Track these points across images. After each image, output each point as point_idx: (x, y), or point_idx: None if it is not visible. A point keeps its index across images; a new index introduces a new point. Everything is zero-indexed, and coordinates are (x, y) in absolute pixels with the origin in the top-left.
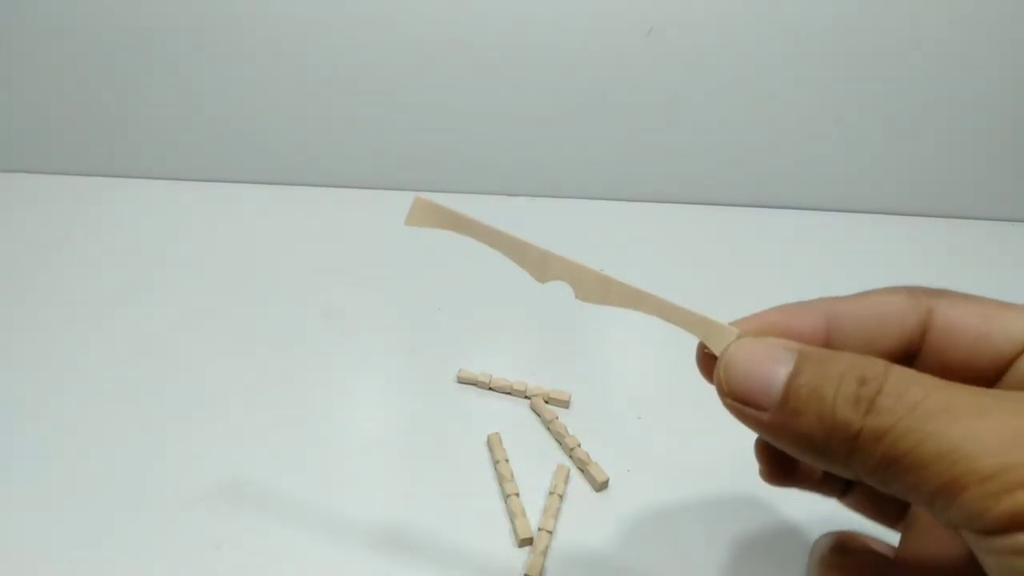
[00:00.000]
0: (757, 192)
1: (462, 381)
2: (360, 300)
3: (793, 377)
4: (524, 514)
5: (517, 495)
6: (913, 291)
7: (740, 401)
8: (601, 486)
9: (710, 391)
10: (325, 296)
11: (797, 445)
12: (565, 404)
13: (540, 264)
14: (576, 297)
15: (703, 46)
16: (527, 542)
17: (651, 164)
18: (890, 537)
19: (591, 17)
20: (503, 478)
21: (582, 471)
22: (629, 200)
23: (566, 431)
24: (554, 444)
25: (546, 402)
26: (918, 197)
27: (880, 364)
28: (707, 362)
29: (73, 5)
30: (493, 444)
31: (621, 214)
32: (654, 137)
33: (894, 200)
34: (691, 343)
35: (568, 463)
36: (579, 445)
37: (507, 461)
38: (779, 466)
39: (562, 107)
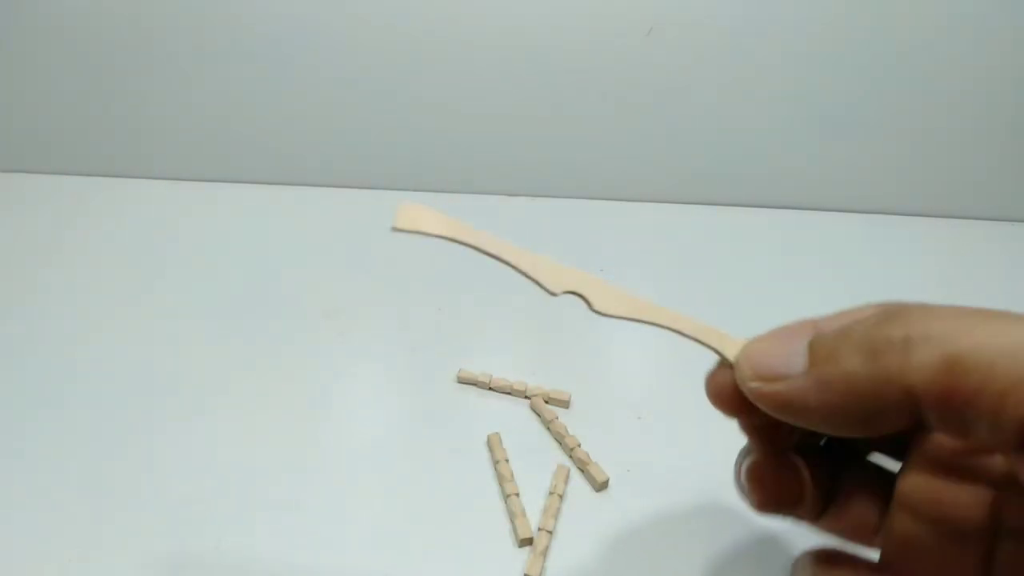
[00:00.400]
0: (757, 192)
1: (462, 381)
2: (360, 300)
3: (816, 338)
4: (524, 514)
5: (517, 495)
6: (885, 305)
7: (768, 379)
8: (601, 486)
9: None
10: (325, 296)
11: (839, 394)
12: (565, 404)
13: (553, 276)
14: (591, 309)
15: (703, 46)
16: (527, 542)
17: (651, 164)
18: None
19: (591, 17)
20: (503, 478)
21: (582, 471)
22: (629, 200)
23: (566, 431)
24: (554, 444)
25: (546, 402)
26: (918, 197)
27: (900, 303)
28: (715, 383)
29: (73, 5)
30: (493, 444)
31: (621, 214)
32: (654, 137)
33: (894, 200)
34: (691, 343)
35: (568, 463)
36: (579, 445)
37: (507, 461)
38: (773, 492)
39: (562, 107)
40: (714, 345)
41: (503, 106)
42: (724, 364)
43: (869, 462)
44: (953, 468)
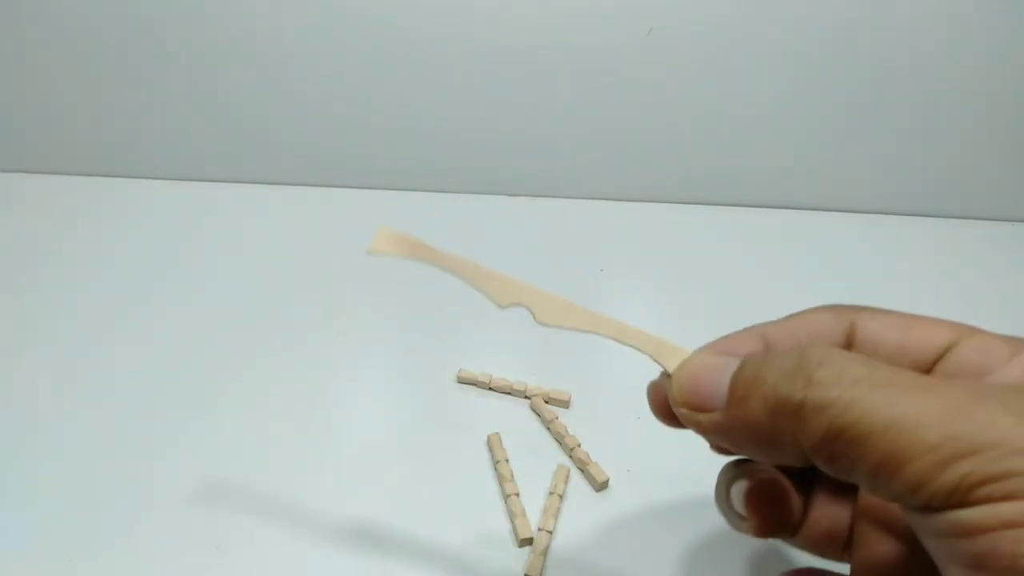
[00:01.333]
0: (757, 192)
1: (462, 381)
2: (360, 300)
3: (737, 372)
4: (524, 514)
5: (517, 495)
6: (837, 308)
7: (694, 408)
8: (601, 486)
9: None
10: (325, 296)
11: (748, 437)
12: (565, 404)
13: (499, 290)
14: (535, 321)
15: (703, 46)
16: (527, 542)
17: (651, 164)
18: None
19: (591, 17)
20: (503, 478)
21: (582, 471)
22: (629, 200)
23: (566, 431)
24: (554, 444)
25: (546, 402)
26: (918, 197)
27: (821, 347)
28: (657, 395)
29: (73, 5)
30: (493, 444)
31: (621, 214)
32: (654, 137)
33: (894, 200)
34: (691, 343)
35: (568, 463)
36: (579, 445)
37: (507, 461)
38: (772, 517)
39: (562, 107)
40: (655, 356)
41: (503, 106)
42: (664, 375)
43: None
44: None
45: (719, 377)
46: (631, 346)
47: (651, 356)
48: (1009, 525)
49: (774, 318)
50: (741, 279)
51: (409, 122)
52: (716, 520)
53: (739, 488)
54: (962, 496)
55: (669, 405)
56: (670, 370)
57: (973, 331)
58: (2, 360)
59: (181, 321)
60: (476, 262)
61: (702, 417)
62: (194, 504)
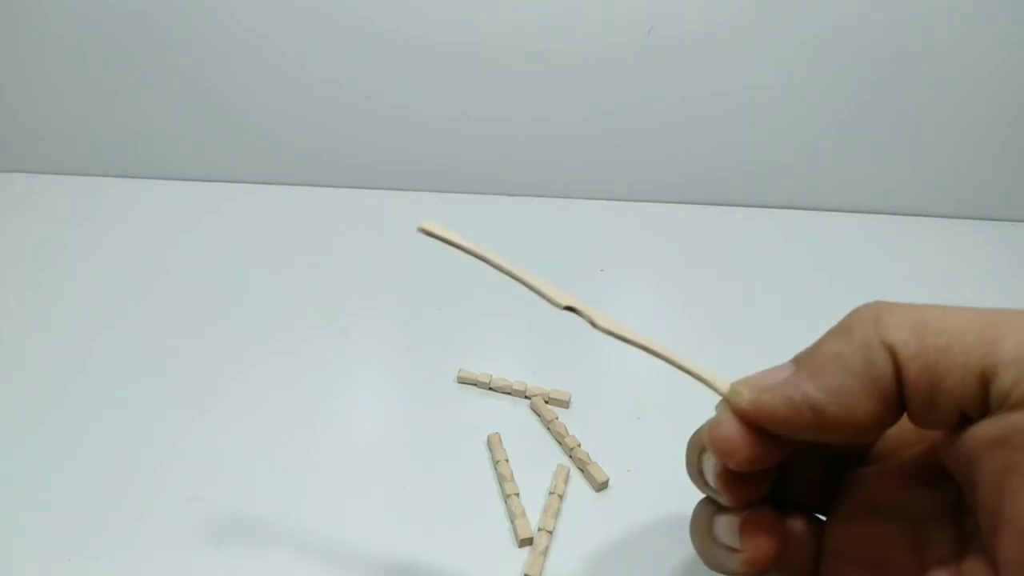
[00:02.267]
0: (757, 192)
1: (462, 381)
2: (360, 300)
3: (797, 354)
4: (524, 514)
5: (517, 495)
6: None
7: (764, 389)
8: (601, 486)
9: (709, 392)
10: (325, 296)
11: (831, 376)
12: (565, 404)
13: (556, 291)
14: (595, 326)
15: (703, 46)
16: (527, 542)
17: (651, 164)
18: None
19: (591, 17)
20: (503, 478)
21: (582, 471)
22: (629, 200)
23: (566, 431)
24: (554, 444)
25: (546, 402)
26: (918, 197)
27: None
28: (715, 433)
29: (73, 5)
30: (493, 444)
31: (621, 214)
32: (654, 137)
33: (894, 200)
34: (690, 343)
35: (568, 463)
36: (579, 445)
37: (507, 461)
38: (773, 546)
39: (563, 107)
40: (708, 379)
41: (503, 106)
42: (721, 403)
43: (807, 513)
44: (879, 508)
45: (780, 367)
46: (682, 368)
47: (704, 380)
48: None
49: (774, 318)
50: (741, 279)
51: (409, 122)
52: None
53: (737, 520)
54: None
55: (737, 434)
56: (722, 390)
57: None
58: (2, 360)
59: (181, 321)
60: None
61: (777, 389)
62: (194, 504)
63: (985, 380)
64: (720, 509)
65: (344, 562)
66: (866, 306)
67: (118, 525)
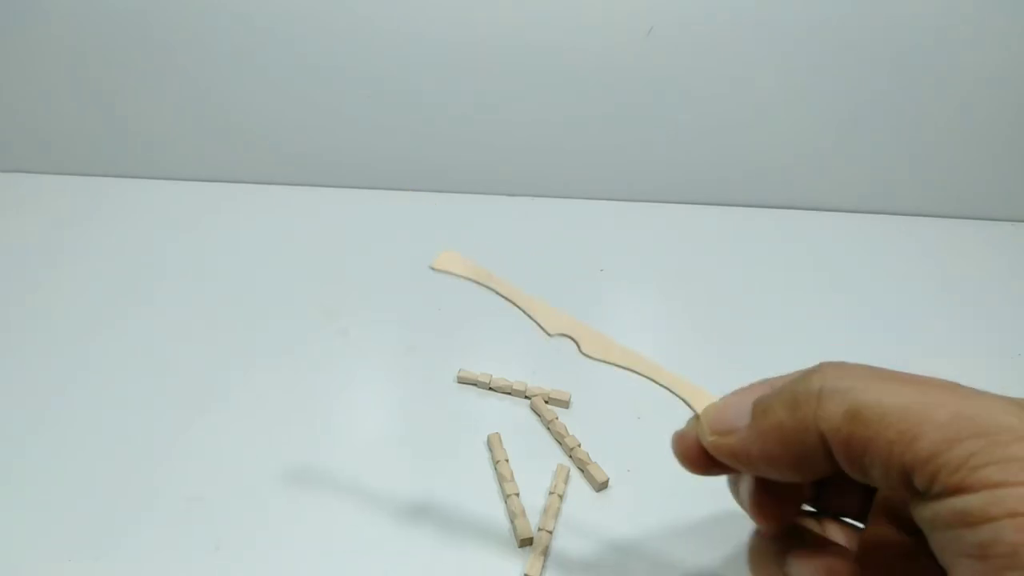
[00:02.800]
0: (757, 192)
1: (462, 381)
2: (360, 300)
3: (758, 397)
4: (524, 514)
5: (517, 495)
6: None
7: (721, 433)
8: (601, 486)
9: (708, 392)
10: (325, 296)
11: (772, 441)
12: (565, 404)
13: (549, 320)
14: (580, 351)
15: (703, 46)
16: (527, 542)
17: (651, 164)
18: None
19: (591, 17)
20: (503, 478)
21: (582, 471)
22: (629, 200)
23: (566, 431)
24: (554, 444)
25: (546, 402)
26: (918, 197)
27: (830, 361)
28: (682, 443)
29: (73, 5)
30: (493, 444)
31: (621, 214)
32: (654, 137)
33: (894, 200)
34: (691, 343)
35: (568, 463)
36: (579, 445)
37: (507, 461)
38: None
39: (563, 107)
40: (686, 398)
41: (504, 107)
42: (694, 417)
43: (843, 522)
44: (903, 520)
45: (743, 405)
46: (664, 387)
47: (683, 398)
48: (1012, 514)
49: (773, 318)
50: (741, 279)
51: (409, 122)
52: (715, 520)
53: (811, 566)
54: (967, 475)
55: (695, 450)
56: (699, 410)
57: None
58: (2, 360)
59: (181, 321)
60: (529, 294)
61: (730, 439)
62: (194, 504)
63: (905, 475)
64: (788, 547)
65: (344, 562)
66: (818, 374)
67: (118, 525)
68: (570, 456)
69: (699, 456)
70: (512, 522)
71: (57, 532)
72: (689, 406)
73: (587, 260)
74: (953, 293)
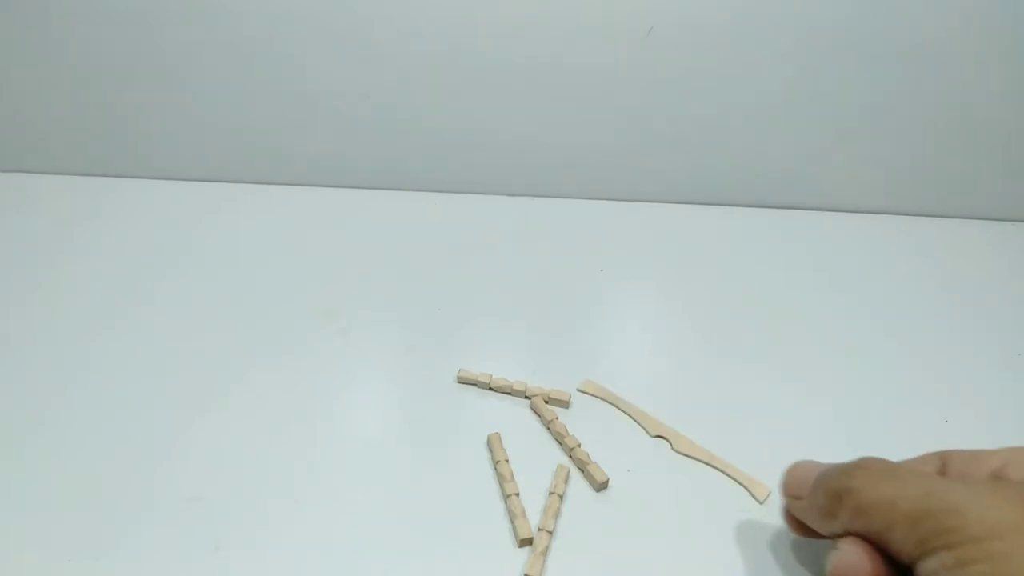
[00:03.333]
0: (757, 192)
1: (462, 381)
2: (360, 300)
3: (817, 476)
4: (524, 514)
5: (517, 495)
6: (939, 453)
7: (793, 497)
8: (601, 486)
9: (708, 392)
10: (325, 296)
11: (818, 514)
12: (565, 404)
13: (651, 424)
14: (673, 448)
15: (703, 46)
16: (527, 542)
17: (651, 164)
18: None
19: (591, 18)
20: (503, 478)
21: (582, 471)
22: (629, 200)
23: (566, 431)
24: (554, 444)
25: (546, 402)
26: (918, 197)
27: (870, 456)
28: (791, 516)
29: (73, 6)
30: (493, 444)
31: (621, 214)
32: (654, 137)
33: (894, 200)
34: (691, 343)
35: (568, 463)
36: (579, 445)
37: (507, 461)
38: None
39: (562, 107)
40: (746, 486)
41: (504, 106)
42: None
43: None
44: None
45: (809, 477)
46: (733, 478)
47: (744, 487)
48: (943, 567)
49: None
50: (741, 279)
51: (409, 123)
52: (715, 520)
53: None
54: (924, 547)
55: (788, 512)
56: (758, 497)
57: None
58: (2, 360)
59: (181, 321)
60: (639, 406)
61: (796, 504)
62: (194, 504)
63: (914, 565)
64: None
65: (344, 562)
66: (847, 476)
67: (118, 525)
68: (570, 456)
69: (791, 518)
70: (512, 522)
71: (57, 532)
72: (751, 493)
73: (587, 260)
74: (953, 293)
